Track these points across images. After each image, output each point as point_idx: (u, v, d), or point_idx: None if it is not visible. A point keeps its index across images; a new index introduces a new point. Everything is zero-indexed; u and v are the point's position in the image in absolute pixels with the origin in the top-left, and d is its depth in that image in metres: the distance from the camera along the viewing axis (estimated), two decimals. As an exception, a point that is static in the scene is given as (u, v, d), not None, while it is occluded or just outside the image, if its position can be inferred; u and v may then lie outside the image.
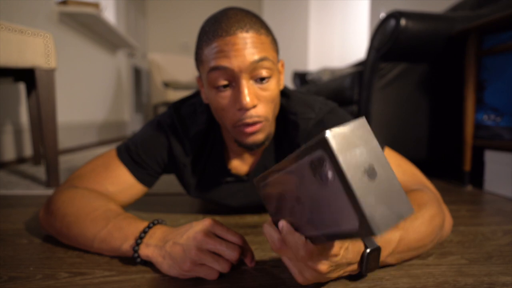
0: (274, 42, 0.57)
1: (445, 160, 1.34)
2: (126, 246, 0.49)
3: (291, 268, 0.39)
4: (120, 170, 0.63)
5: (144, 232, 0.49)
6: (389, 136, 1.26)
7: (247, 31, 0.51)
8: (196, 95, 0.70)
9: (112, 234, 0.50)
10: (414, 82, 1.25)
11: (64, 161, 1.76)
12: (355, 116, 1.35)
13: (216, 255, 0.45)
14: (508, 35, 1.04)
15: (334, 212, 0.28)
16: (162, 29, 4.65)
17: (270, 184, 0.38)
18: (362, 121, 0.27)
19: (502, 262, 0.54)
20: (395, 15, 1.14)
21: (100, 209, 0.54)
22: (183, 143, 0.66)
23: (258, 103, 0.53)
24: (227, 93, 0.53)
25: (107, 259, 0.53)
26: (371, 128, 0.28)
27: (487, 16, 1.18)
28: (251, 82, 0.53)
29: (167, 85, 3.79)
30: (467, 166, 1.15)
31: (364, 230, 0.25)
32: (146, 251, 0.47)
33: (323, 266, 0.37)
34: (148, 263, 0.50)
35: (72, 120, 2.32)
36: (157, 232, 0.49)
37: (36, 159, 1.60)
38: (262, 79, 0.53)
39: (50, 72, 1.11)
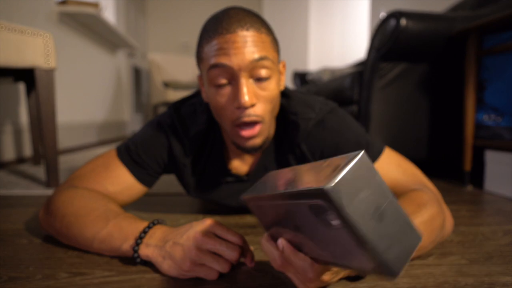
0: (275, 42, 0.56)
1: (446, 160, 1.34)
2: (126, 246, 0.49)
3: (292, 279, 0.39)
4: (120, 170, 0.63)
5: (144, 232, 0.49)
6: (389, 136, 1.26)
7: (247, 30, 0.51)
8: (196, 95, 0.70)
9: (112, 234, 0.50)
10: (414, 82, 1.25)
11: (64, 161, 1.76)
12: (355, 116, 1.35)
13: (216, 255, 0.45)
14: (508, 35, 1.04)
15: (343, 250, 0.26)
16: (162, 29, 4.65)
17: (263, 207, 0.36)
18: (363, 158, 0.25)
19: (503, 262, 0.54)
20: (395, 15, 1.14)
21: (100, 209, 0.53)
22: (183, 143, 0.66)
23: (257, 102, 0.53)
24: (226, 91, 0.53)
25: (107, 259, 0.53)
26: (372, 164, 0.26)
27: (487, 16, 1.18)
28: (250, 81, 0.53)
29: (167, 85, 3.79)
30: (468, 166, 1.15)
31: (383, 272, 0.24)
32: (146, 251, 0.47)
33: (327, 277, 0.37)
34: (148, 263, 0.50)
35: (72, 120, 2.32)
36: (157, 232, 0.49)
37: (36, 159, 1.60)
38: (261, 79, 0.53)
39: (50, 72, 1.11)
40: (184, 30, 4.61)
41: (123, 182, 0.63)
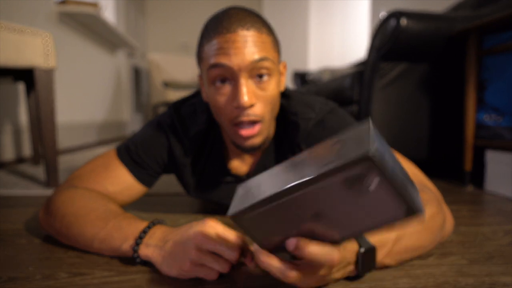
0: (276, 43, 0.56)
1: (446, 160, 1.34)
2: (126, 246, 0.49)
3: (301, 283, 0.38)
4: (120, 170, 0.63)
5: (144, 232, 0.48)
6: (389, 136, 1.26)
7: (248, 29, 0.51)
8: (196, 95, 0.70)
9: (112, 234, 0.50)
10: (414, 82, 1.24)
11: (64, 161, 1.76)
12: (355, 116, 1.35)
13: (216, 255, 0.45)
14: (508, 35, 1.04)
15: (372, 210, 0.29)
16: (162, 29, 4.65)
17: (260, 217, 0.34)
18: (371, 123, 0.29)
19: (503, 262, 0.54)
20: (395, 14, 1.14)
21: (100, 209, 0.53)
22: (183, 143, 0.66)
23: (256, 102, 0.53)
24: (226, 90, 0.53)
25: (107, 259, 0.52)
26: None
27: (488, 16, 1.17)
28: (250, 81, 0.53)
29: (166, 85, 3.79)
30: (468, 166, 1.15)
31: (413, 212, 0.28)
32: (146, 251, 0.47)
33: (324, 270, 0.37)
34: (147, 263, 0.50)
35: (71, 120, 2.32)
36: (157, 232, 0.49)
37: (35, 159, 1.60)
38: (261, 79, 0.53)
39: (50, 72, 1.10)
40: (184, 30, 4.61)
41: (123, 182, 0.63)
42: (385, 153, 0.27)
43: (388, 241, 0.45)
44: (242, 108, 0.52)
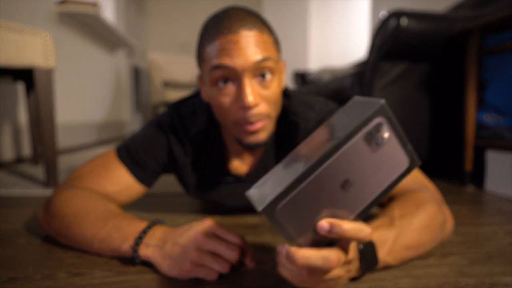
0: (276, 42, 0.56)
1: (446, 160, 1.34)
2: (126, 246, 0.48)
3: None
4: (120, 170, 0.63)
5: (144, 232, 0.48)
6: (389, 136, 1.26)
7: (250, 30, 0.51)
8: (196, 95, 0.70)
9: (112, 234, 0.50)
10: (415, 82, 1.24)
11: (63, 161, 1.76)
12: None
13: (216, 255, 0.45)
14: (509, 34, 1.03)
15: (386, 167, 0.34)
16: (162, 28, 4.64)
17: (295, 198, 0.32)
18: (359, 97, 0.35)
19: (504, 262, 0.54)
20: (396, 14, 1.14)
21: (100, 209, 0.53)
22: (183, 143, 0.66)
23: (260, 102, 0.53)
24: (229, 91, 0.53)
25: (106, 260, 0.52)
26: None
27: (488, 15, 1.17)
28: (253, 80, 0.53)
29: (166, 84, 3.78)
30: (468, 166, 1.15)
31: (414, 163, 0.35)
32: (146, 251, 0.47)
33: (341, 271, 0.37)
34: (147, 264, 0.49)
35: (71, 119, 2.32)
36: (157, 232, 0.48)
37: (35, 159, 1.60)
38: (264, 78, 0.53)
39: (49, 72, 1.10)
40: (184, 29, 4.60)
41: (122, 182, 0.63)
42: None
43: (388, 239, 0.45)
44: (247, 108, 0.52)
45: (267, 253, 0.56)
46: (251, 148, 0.58)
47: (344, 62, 3.74)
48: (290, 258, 0.33)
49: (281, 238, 0.64)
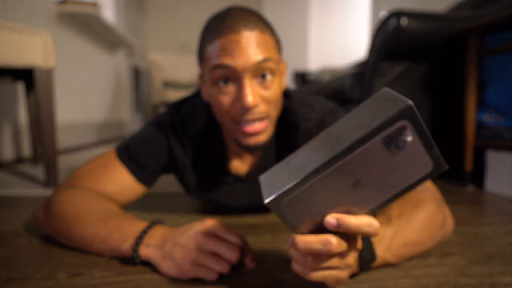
0: (277, 42, 0.57)
1: (446, 160, 1.33)
2: (126, 246, 0.48)
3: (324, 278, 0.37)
4: (120, 170, 0.63)
5: (144, 232, 0.48)
6: (389, 136, 1.26)
7: (251, 30, 0.51)
8: (196, 95, 0.70)
9: (112, 234, 0.50)
10: (415, 82, 1.24)
11: (63, 161, 1.76)
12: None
13: (216, 255, 0.45)
14: (509, 34, 1.03)
15: (406, 170, 0.31)
16: (162, 28, 4.64)
17: (303, 193, 0.32)
18: (388, 89, 0.32)
19: (504, 262, 0.54)
20: (396, 14, 1.14)
21: (100, 209, 0.53)
22: (183, 143, 0.66)
23: (260, 102, 0.53)
24: (229, 90, 0.53)
25: (106, 260, 0.52)
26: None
27: (488, 15, 1.17)
28: (254, 81, 0.53)
29: (166, 84, 3.78)
30: (468, 166, 1.15)
31: (439, 167, 0.31)
32: (146, 251, 0.47)
33: (351, 258, 0.37)
34: (147, 264, 0.49)
35: (71, 119, 2.32)
36: (157, 232, 0.48)
37: (35, 159, 1.60)
38: (264, 79, 0.53)
39: (49, 72, 1.10)
40: (184, 29, 4.60)
41: (122, 182, 0.63)
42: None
43: (385, 236, 0.45)
44: (246, 109, 0.52)
45: (267, 253, 0.56)
46: (249, 150, 0.58)
47: (344, 62, 3.74)
48: (293, 244, 0.35)
49: (281, 238, 0.64)
